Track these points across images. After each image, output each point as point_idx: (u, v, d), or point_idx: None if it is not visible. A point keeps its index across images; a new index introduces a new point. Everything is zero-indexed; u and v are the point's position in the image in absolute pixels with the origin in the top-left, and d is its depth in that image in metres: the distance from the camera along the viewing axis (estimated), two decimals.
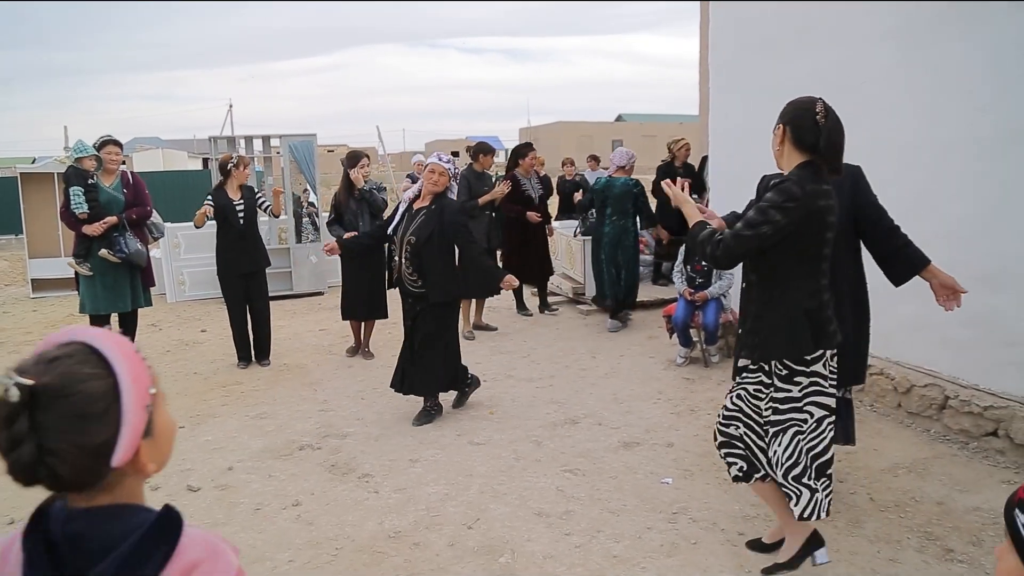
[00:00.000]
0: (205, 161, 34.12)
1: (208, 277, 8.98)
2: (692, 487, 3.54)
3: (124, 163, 6.06)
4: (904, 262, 3.15)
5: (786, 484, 2.65)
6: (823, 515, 2.66)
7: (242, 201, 5.84)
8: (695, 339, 5.64)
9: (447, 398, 4.88)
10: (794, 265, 2.55)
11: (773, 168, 2.99)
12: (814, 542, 2.77)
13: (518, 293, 7.58)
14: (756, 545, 2.99)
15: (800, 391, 2.59)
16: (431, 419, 4.53)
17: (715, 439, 2.86)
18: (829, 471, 2.65)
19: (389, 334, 6.79)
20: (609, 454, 3.98)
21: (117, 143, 5.61)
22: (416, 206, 4.44)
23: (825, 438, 2.63)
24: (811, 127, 2.50)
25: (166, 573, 0.95)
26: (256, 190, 6.09)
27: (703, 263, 5.55)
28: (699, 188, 7.84)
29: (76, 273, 5.55)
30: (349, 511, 3.38)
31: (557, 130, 43.75)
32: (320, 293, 9.11)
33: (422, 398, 4.60)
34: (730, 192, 5.30)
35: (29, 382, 0.91)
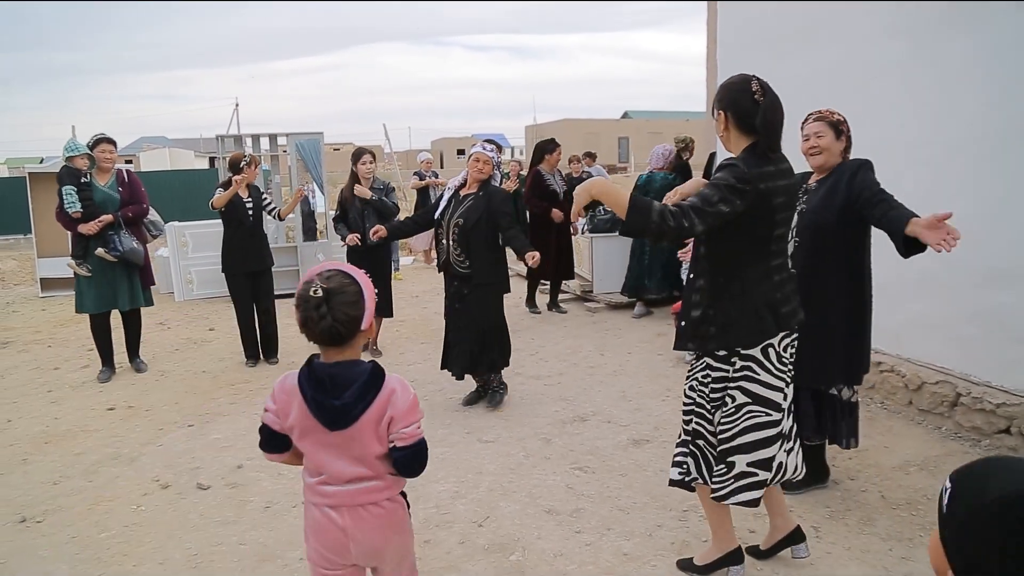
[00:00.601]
0: (212, 160, 34.25)
1: (216, 276, 8.99)
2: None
3: (131, 162, 6.06)
4: (891, 229, 2.86)
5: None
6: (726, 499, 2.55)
7: (251, 199, 5.86)
8: None
9: (459, 392, 4.89)
10: (745, 249, 2.46)
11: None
12: (734, 558, 2.72)
13: (531, 289, 7.57)
14: (755, 552, 2.92)
15: (733, 371, 2.50)
16: (502, 397, 4.77)
17: (678, 436, 2.75)
18: (731, 459, 2.51)
19: (397, 331, 6.81)
20: (618, 452, 3.97)
21: (111, 141, 5.56)
22: (463, 192, 4.61)
23: (737, 426, 2.50)
24: (750, 108, 2.42)
25: (379, 395, 1.84)
26: (261, 191, 6.09)
27: None
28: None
29: (75, 273, 5.53)
30: None
31: (563, 127, 43.59)
32: None
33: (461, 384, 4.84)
34: None
35: (324, 286, 1.79)
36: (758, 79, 2.45)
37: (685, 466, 2.67)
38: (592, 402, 4.79)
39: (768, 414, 2.51)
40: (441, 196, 4.75)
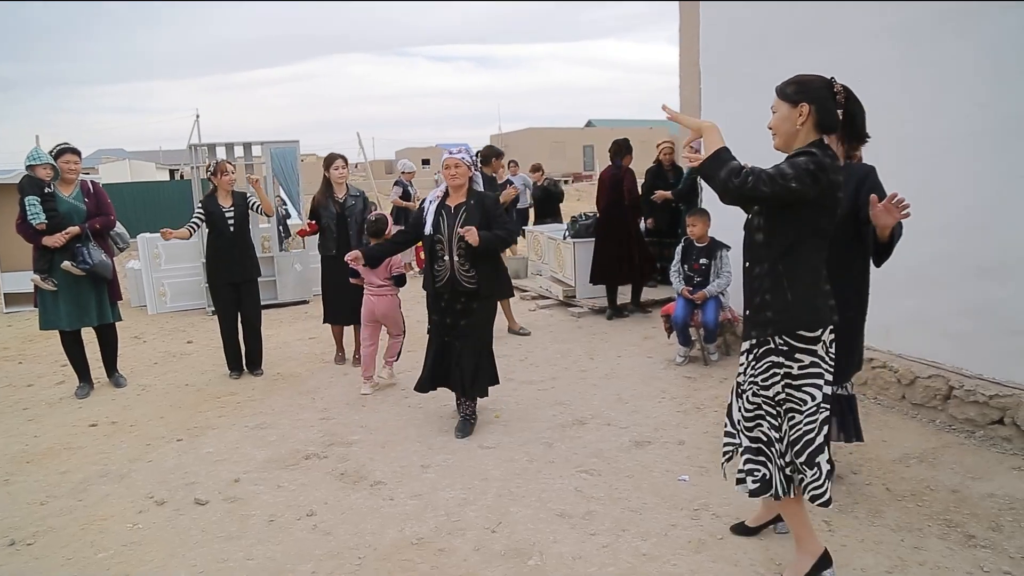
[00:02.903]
0: (172, 172, 33.49)
1: (189, 288, 8.83)
2: (710, 483, 3.53)
3: (88, 174, 5.86)
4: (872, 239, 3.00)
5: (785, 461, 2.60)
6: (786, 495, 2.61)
7: (232, 208, 5.71)
8: (694, 338, 5.66)
9: (453, 399, 4.83)
10: (805, 240, 2.49)
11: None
12: (825, 562, 2.66)
13: (611, 296, 7.29)
14: (740, 529, 3.03)
15: (799, 369, 2.49)
16: (473, 428, 4.41)
17: (737, 443, 2.74)
18: (817, 461, 2.54)
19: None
20: (622, 453, 3.95)
21: (76, 152, 5.37)
22: (452, 203, 4.29)
23: (815, 425, 2.53)
24: (834, 108, 2.51)
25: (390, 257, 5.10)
26: (248, 194, 5.95)
27: (700, 261, 5.57)
28: (692, 191, 7.78)
29: (36, 288, 5.29)
30: (366, 519, 3.30)
31: (528, 136, 43.76)
32: (305, 302, 8.99)
33: (459, 404, 4.50)
34: None
35: (375, 216, 5.51)
36: (837, 81, 2.55)
37: (760, 474, 2.62)
38: (589, 405, 4.77)
39: (827, 408, 2.57)
40: (420, 210, 4.42)
